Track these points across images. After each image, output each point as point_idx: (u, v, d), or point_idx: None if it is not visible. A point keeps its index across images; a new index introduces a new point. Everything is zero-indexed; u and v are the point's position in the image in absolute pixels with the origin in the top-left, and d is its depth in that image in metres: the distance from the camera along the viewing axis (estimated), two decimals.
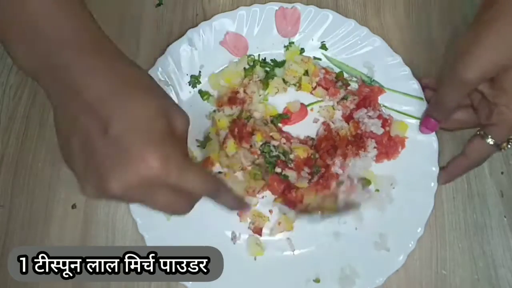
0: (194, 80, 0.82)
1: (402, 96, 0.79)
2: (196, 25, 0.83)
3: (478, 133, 0.69)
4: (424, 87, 0.79)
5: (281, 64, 0.83)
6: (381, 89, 0.80)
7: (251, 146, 0.77)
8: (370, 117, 0.77)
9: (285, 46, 0.84)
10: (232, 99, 0.80)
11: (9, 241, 0.75)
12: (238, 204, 0.58)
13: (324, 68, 0.82)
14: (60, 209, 0.77)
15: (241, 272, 0.72)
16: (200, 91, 0.82)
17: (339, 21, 0.83)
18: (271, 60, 0.83)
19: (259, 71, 0.82)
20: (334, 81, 0.81)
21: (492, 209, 0.77)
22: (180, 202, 0.50)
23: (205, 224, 0.75)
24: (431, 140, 0.76)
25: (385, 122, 0.78)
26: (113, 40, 0.85)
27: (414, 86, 0.79)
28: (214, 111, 0.81)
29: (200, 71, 0.83)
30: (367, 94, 0.79)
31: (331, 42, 0.83)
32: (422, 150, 0.76)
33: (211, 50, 0.83)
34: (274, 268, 0.73)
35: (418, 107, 0.78)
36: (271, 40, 0.84)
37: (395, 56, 0.81)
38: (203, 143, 0.79)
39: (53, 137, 0.79)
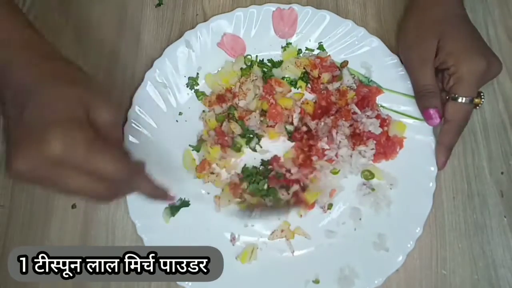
0: (192, 82, 0.82)
1: (400, 96, 0.79)
2: (196, 25, 0.83)
3: (448, 97, 0.73)
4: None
5: (278, 64, 0.83)
6: (379, 89, 0.80)
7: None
8: (368, 116, 0.77)
9: (282, 47, 0.84)
10: (221, 97, 0.80)
11: (9, 241, 0.76)
12: (158, 193, 0.59)
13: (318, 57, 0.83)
14: (60, 209, 0.77)
15: (240, 273, 0.72)
16: (196, 91, 0.82)
17: (336, 22, 0.83)
18: (268, 60, 0.84)
19: (257, 71, 0.82)
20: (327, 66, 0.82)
21: (492, 209, 0.76)
22: (98, 187, 0.51)
23: (204, 226, 0.75)
24: (429, 140, 0.76)
25: (383, 122, 0.78)
26: (112, 41, 0.86)
27: (411, 86, 0.78)
28: (204, 111, 0.81)
29: (197, 73, 0.83)
30: (365, 94, 0.79)
31: (329, 43, 0.83)
32: (420, 150, 0.76)
33: (208, 51, 0.83)
34: (273, 269, 0.73)
35: (416, 107, 0.77)
36: (269, 41, 0.84)
37: (393, 56, 0.81)
38: (197, 147, 0.79)
39: None
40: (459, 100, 0.71)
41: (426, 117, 0.75)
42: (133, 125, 0.78)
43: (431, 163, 0.75)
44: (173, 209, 0.75)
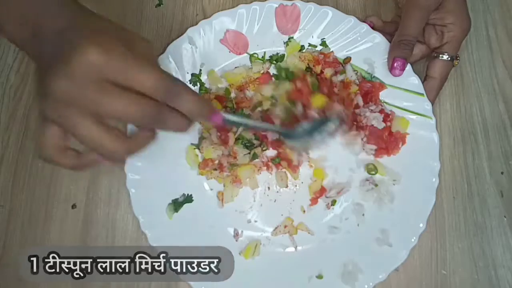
0: (195, 79, 0.82)
1: (402, 92, 0.79)
2: (196, 25, 0.82)
3: (434, 55, 0.78)
4: (372, 27, 0.82)
5: (280, 58, 0.83)
6: (382, 85, 0.80)
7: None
8: (372, 111, 0.78)
9: (284, 42, 0.84)
10: (220, 98, 0.80)
11: (9, 241, 0.74)
12: (206, 108, 0.53)
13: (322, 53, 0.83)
14: (60, 209, 0.77)
15: (244, 269, 0.72)
16: (200, 87, 0.81)
17: (339, 18, 0.83)
18: (270, 56, 0.83)
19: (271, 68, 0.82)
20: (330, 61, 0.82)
21: (492, 209, 0.77)
22: (141, 105, 0.46)
23: (208, 221, 0.75)
24: (432, 135, 0.76)
25: (387, 117, 0.78)
26: None
27: (414, 82, 0.79)
28: None
29: (200, 70, 0.82)
30: (369, 90, 0.80)
31: (331, 39, 0.83)
32: (423, 145, 0.77)
33: (211, 48, 0.82)
34: (276, 264, 0.73)
35: (419, 103, 0.78)
36: (271, 37, 0.84)
37: None
38: (198, 145, 0.79)
39: None
40: (443, 57, 0.77)
41: (393, 66, 0.76)
42: None
43: (434, 158, 0.75)
44: (177, 205, 0.75)
